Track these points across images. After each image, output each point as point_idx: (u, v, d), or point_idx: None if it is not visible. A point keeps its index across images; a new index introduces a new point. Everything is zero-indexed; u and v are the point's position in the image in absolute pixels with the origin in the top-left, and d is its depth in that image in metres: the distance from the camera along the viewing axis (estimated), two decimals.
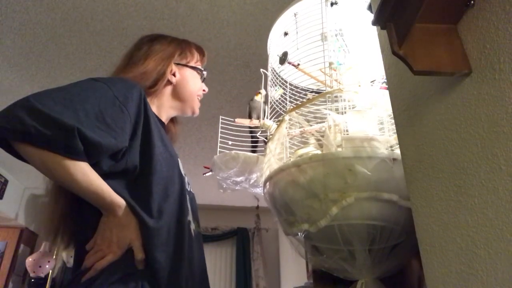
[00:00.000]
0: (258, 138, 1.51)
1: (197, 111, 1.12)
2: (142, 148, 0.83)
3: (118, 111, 0.80)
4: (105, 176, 0.77)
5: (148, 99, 0.99)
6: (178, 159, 0.96)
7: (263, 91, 1.52)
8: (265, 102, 1.48)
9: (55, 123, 0.70)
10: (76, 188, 0.75)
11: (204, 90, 1.14)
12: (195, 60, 1.12)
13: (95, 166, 0.76)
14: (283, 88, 1.34)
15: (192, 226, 0.92)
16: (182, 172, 0.94)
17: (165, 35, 1.12)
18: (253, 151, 1.49)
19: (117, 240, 0.76)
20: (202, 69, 1.13)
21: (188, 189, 0.99)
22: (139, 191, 0.80)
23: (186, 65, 1.09)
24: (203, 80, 1.14)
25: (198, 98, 1.12)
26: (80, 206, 0.81)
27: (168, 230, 0.81)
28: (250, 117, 1.51)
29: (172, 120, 1.13)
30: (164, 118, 1.05)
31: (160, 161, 0.85)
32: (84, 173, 0.74)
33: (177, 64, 1.07)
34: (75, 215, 0.84)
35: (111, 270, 0.74)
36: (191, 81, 1.09)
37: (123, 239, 0.76)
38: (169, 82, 1.04)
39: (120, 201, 0.77)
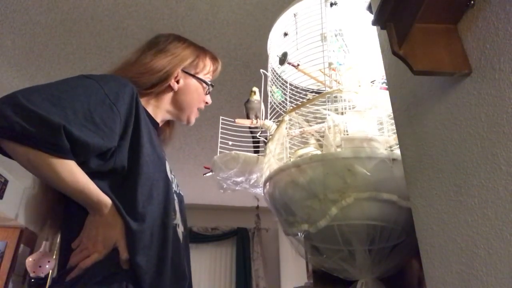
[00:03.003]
0: (259, 138, 1.51)
1: (192, 122, 1.08)
2: (131, 148, 0.82)
3: (108, 110, 0.78)
4: (92, 175, 0.77)
5: (145, 98, 0.97)
6: (166, 162, 0.94)
7: (256, 88, 1.51)
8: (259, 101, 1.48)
9: (41, 121, 0.69)
10: (62, 187, 0.74)
11: (206, 103, 1.10)
12: (206, 71, 1.07)
13: (82, 164, 0.75)
14: (283, 89, 1.34)
15: (180, 229, 0.91)
16: (169, 174, 0.92)
17: (183, 38, 1.07)
18: (256, 152, 1.48)
19: (103, 239, 0.75)
20: (209, 83, 1.08)
21: (177, 191, 0.97)
22: (124, 192, 0.79)
23: (193, 76, 1.04)
24: (208, 93, 1.10)
25: (198, 110, 1.08)
26: (67, 204, 0.80)
27: (151, 233, 0.79)
28: (248, 118, 1.51)
29: (168, 122, 1.11)
30: (159, 120, 1.02)
31: (147, 162, 0.83)
32: (71, 171, 0.73)
33: (185, 72, 1.03)
34: (62, 210, 0.83)
35: (96, 269, 0.74)
36: (194, 93, 1.04)
37: (108, 238, 0.76)
38: (170, 88, 1.00)
39: (106, 200, 0.77)
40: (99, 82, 0.81)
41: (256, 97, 1.52)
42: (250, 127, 1.52)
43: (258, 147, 1.52)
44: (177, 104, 1.03)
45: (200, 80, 1.06)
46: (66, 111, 0.72)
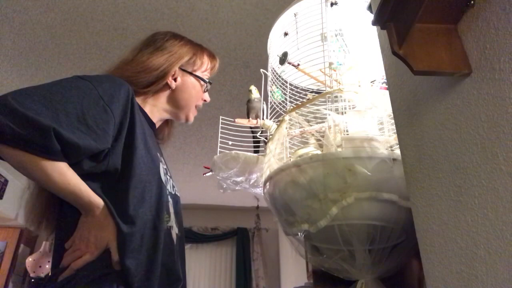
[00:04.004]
0: (259, 138, 1.51)
1: (191, 120, 1.08)
2: (124, 150, 0.81)
3: (101, 112, 0.78)
4: (85, 176, 0.76)
5: (142, 97, 0.97)
6: (160, 164, 0.93)
7: (253, 87, 1.51)
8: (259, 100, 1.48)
9: (31, 123, 0.69)
10: (53, 188, 0.74)
11: (205, 100, 1.10)
12: (203, 68, 1.07)
13: (75, 166, 0.75)
14: (283, 89, 1.34)
15: (175, 231, 0.91)
16: (163, 176, 0.91)
17: (181, 36, 1.06)
18: (256, 151, 1.48)
19: (95, 240, 0.75)
20: (207, 81, 1.08)
21: (173, 193, 0.96)
22: (116, 194, 0.79)
23: (191, 73, 1.04)
24: (206, 90, 1.09)
25: (196, 108, 1.08)
26: (61, 204, 0.80)
27: (142, 236, 0.79)
28: (249, 117, 1.51)
29: (167, 121, 1.10)
30: (156, 119, 1.02)
31: (140, 164, 0.83)
32: (62, 173, 0.73)
33: (182, 69, 1.02)
34: (57, 210, 0.83)
35: (88, 270, 0.74)
36: (191, 90, 1.04)
37: (100, 239, 0.76)
38: (167, 86, 1.00)
39: (98, 201, 0.76)
40: (93, 83, 0.81)
41: (256, 95, 1.52)
42: (251, 127, 1.52)
43: (258, 147, 1.52)
44: (175, 102, 1.03)
45: (198, 78, 1.05)
46: (58, 113, 0.72)
